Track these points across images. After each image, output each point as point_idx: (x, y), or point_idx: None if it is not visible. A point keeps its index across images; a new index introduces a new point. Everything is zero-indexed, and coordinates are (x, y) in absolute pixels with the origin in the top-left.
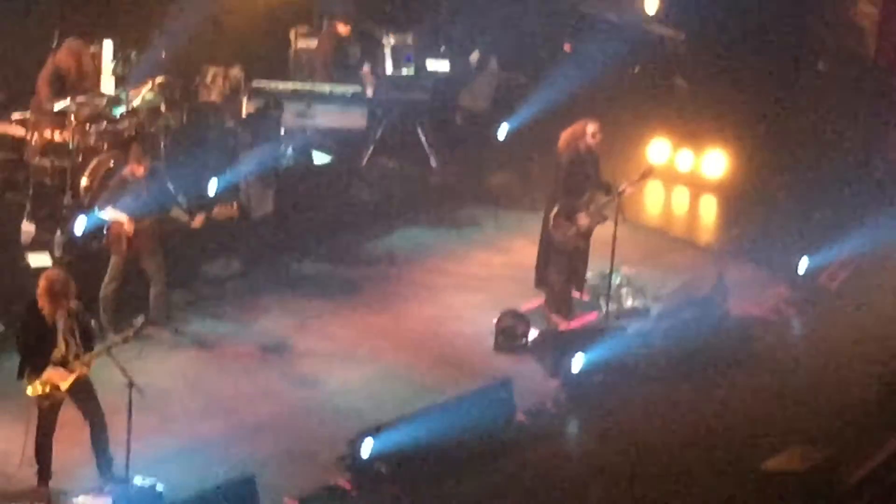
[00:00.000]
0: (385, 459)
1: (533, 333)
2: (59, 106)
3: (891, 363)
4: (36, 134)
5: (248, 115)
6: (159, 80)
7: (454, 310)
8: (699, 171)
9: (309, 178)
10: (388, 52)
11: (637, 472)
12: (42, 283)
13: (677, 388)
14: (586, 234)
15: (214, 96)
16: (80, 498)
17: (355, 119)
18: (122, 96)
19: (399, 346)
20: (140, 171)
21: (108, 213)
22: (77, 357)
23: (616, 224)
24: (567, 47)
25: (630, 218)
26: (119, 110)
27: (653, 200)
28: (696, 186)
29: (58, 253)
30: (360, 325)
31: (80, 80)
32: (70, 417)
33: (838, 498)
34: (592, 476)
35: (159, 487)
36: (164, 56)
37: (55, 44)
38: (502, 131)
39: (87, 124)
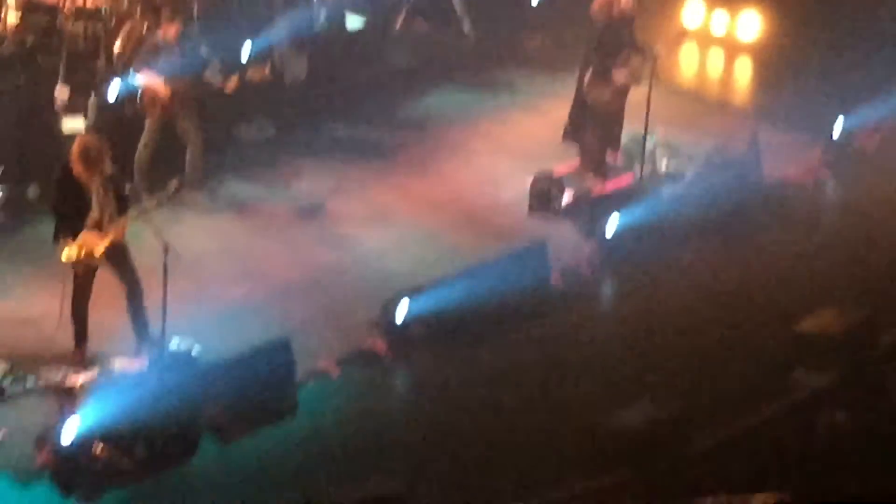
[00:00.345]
0: (420, 322)
1: (567, 196)
2: None
3: None
4: None
5: None
6: None
7: (489, 173)
8: (734, 32)
9: (342, 42)
10: None
11: (670, 334)
12: (76, 147)
13: (711, 251)
14: (621, 95)
15: None
16: (117, 360)
17: None
18: None
19: (433, 209)
20: (173, 34)
21: (142, 77)
22: (112, 221)
23: (650, 86)
24: None
25: (664, 80)
26: None
27: (687, 62)
28: (731, 48)
29: (92, 117)
30: (394, 189)
31: None
32: (106, 281)
33: (874, 359)
34: (627, 338)
35: (195, 350)
36: None
37: None
38: None
39: None
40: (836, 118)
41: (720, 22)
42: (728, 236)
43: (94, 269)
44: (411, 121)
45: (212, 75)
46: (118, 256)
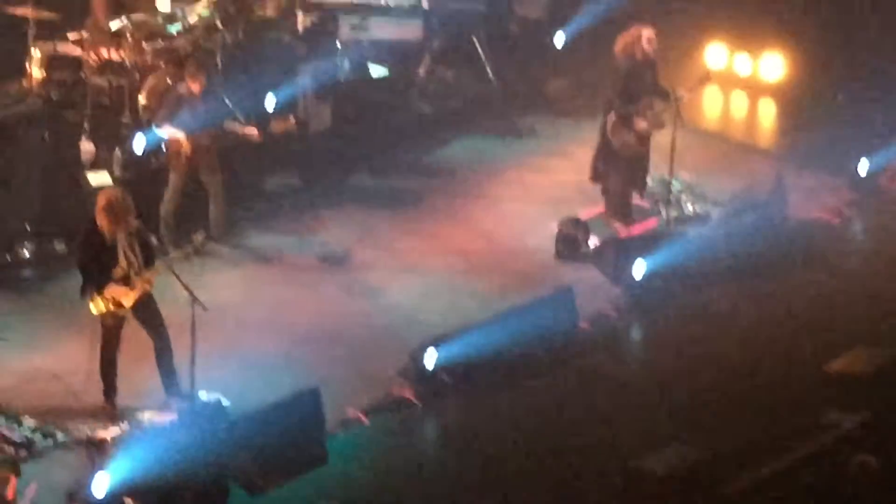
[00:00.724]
0: (448, 370)
1: (593, 241)
2: (115, 25)
3: None
4: (93, 53)
5: (304, 29)
6: None
7: (514, 219)
8: (757, 74)
9: (366, 91)
10: None
11: (699, 377)
12: (101, 201)
13: (739, 293)
14: (644, 140)
15: (270, 11)
16: (146, 414)
17: (411, 30)
18: (178, 13)
19: (460, 256)
20: (197, 87)
21: (166, 131)
22: (138, 274)
23: (674, 130)
24: None
25: (688, 123)
26: (175, 28)
27: (711, 105)
28: (755, 90)
29: (117, 171)
30: (420, 237)
31: None
32: (134, 334)
33: None
34: (654, 382)
35: (224, 402)
36: None
37: None
38: (559, 39)
39: (144, 42)
40: (861, 158)
41: (743, 64)
42: (755, 278)
43: (122, 322)
44: (436, 168)
45: (236, 128)
46: (146, 309)
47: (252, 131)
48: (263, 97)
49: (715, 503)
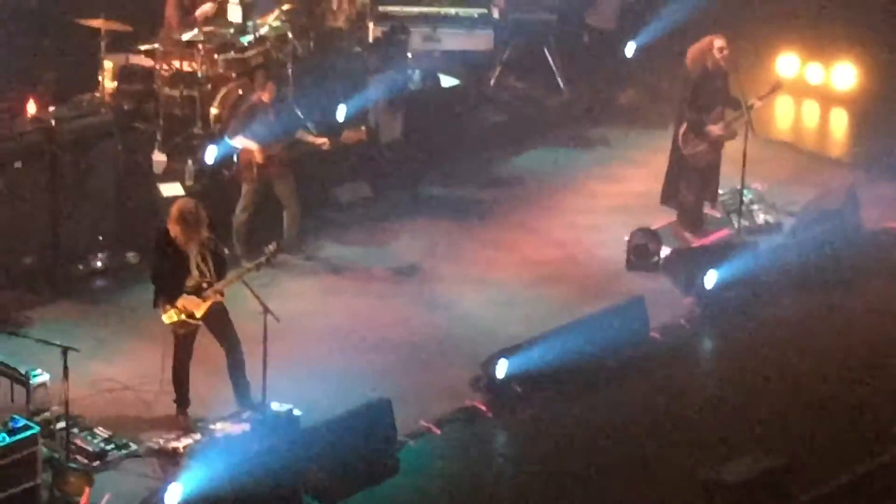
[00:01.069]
0: (520, 380)
1: (665, 251)
2: (187, 36)
3: None
4: (165, 64)
5: (375, 39)
6: (285, 6)
7: (585, 229)
8: (829, 83)
9: (437, 102)
10: None
11: (770, 388)
12: (174, 212)
13: (812, 303)
14: (716, 149)
15: (341, 22)
16: (219, 424)
17: (482, 41)
18: (250, 25)
19: (530, 267)
20: (268, 98)
21: (238, 141)
22: (211, 285)
23: (746, 139)
24: None
25: (760, 133)
26: (246, 39)
27: (782, 114)
28: (826, 99)
29: (189, 182)
30: (490, 247)
31: (207, 11)
32: (206, 344)
33: None
34: (726, 392)
35: (296, 412)
36: None
37: None
38: (630, 49)
39: (216, 53)
40: None
41: (815, 73)
42: (828, 287)
43: (195, 332)
44: (507, 179)
45: (307, 138)
46: (218, 320)
47: (323, 141)
48: (334, 107)
49: None
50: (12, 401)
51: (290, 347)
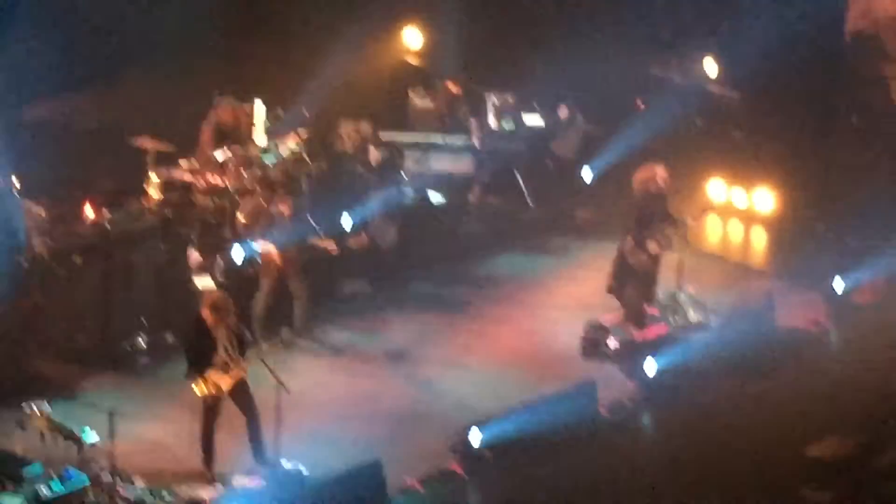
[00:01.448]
0: (490, 447)
1: (613, 342)
2: (219, 155)
3: None
4: (200, 178)
5: (376, 162)
6: (302, 133)
7: (547, 322)
8: (751, 206)
9: (426, 214)
10: (491, 108)
11: (700, 459)
12: (206, 301)
13: (734, 388)
14: (656, 259)
15: (348, 147)
16: (238, 478)
17: (464, 165)
18: (272, 147)
19: (501, 352)
20: (286, 209)
21: (260, 244)
22: (234, 362)
23: (681, 251)
24: (640, 103)
25: (693, 245)
26: (269, 158)
27: (712, 231)
28: (749, 219)
29: (219, 276)
30: (469, 335)
31: (237, 133)
32: (229, 411)
33: (870, 479)
34: (665, 462)
35: (303, 470)
36: (305, 112)
37: (214, 102)
38: (586, 174)
39: (243, 170)
40: (837, 276)
41: (739, 197)
42: (748, 376)
43: (220, 401)
44: (483, 279)
45: (318, 243)
46: (240, 391)
47: (331, 245)
48: (340, 217)
49: None
50: (67, 455)
51: (299, 415)
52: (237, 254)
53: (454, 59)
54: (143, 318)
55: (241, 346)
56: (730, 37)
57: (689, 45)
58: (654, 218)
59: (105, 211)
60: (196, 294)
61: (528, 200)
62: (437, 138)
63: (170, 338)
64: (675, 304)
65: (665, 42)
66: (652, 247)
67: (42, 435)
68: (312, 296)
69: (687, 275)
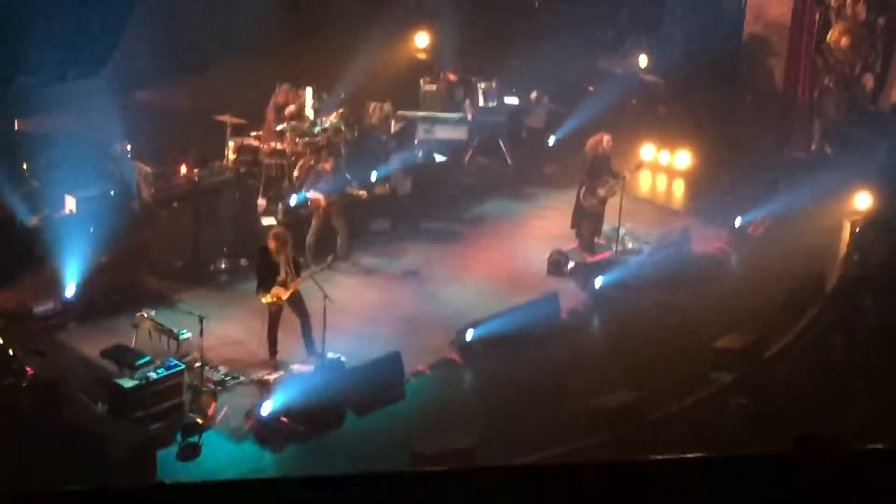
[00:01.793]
0: (480, 341)
1: (571, 264)
2: (279, 127)
3: (791, 280)
4: (265, 145)
5: (395, 131)
6: (341, 111)
7: (522, 250)
8: (673, 163)
9: (432, 170)
10: (480, 92)
11: (635, 348)
12: (271, 235)
13: (661, 298)
14: (603, 203)
15: (375, 120)
16: (295, 366)
17: (460, 133)
18: (319, 121)
19: (488, 272)
20: (329, 166)
21: (310, 193)
22: (292, 280)
23: (621, 197)
24: (591, 88)
25: (630, 193)
26: (316, 129)
27: (644, 182)
28: (671, 173)
29: (279, 216)
30: (464, 259)
31: (293, 111)
32: (288, 316)
33: (761, 365)
34: (608, 349)
35: (343, 359)
36: (343, 96)
37: (277, 88)
38: (551, 141)
39: (297, 138)
40: (736, 216)
41: (664, 157)
42: (671, 289)
43: (281, 308)
44: (475, 218)
45: (352, 191)
46: (296, 301)
47: (363, 193)
48: (369, 173)
49: (645, 429)
50: (168, 349)
51: (340, 319)
52: (293, 200)
53: (453, 56)
54: (223, 248)
55: (297, 268)
56: (657, 38)
57: (627, 44)
58: (602, 172)
59: (195, 169)
60: (263, 230)
61: (508, 159)
62: (441, 114)
63: (244, 262)
64: (616, 236)
65: (609, 42)
66: (600, 194)
67: (150, 334)
68: (350, 231)
69: (625, 215)
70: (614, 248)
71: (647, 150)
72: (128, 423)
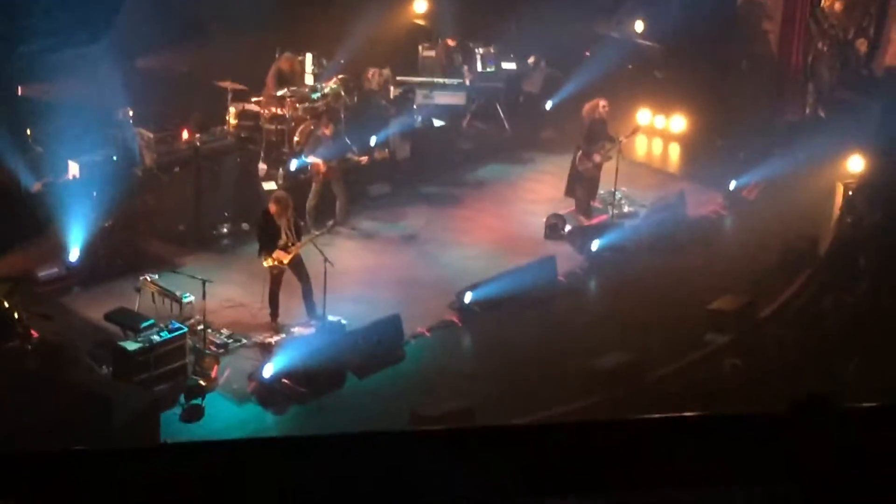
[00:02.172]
0: (479, 303)
1: (568, 227)
2: (279, 93)
3: (785, 243)
4: (266, 110)
5: (394, 96)
6: (340, 76)
7: (519, 213)
8: (668, 127)
9: (431, 135)
10: (478, 57)
11: (631, 311)
12: (272, 199)
13: (656, 259)
14: (599, 167)
15: (374, 85)
16: (296, 328)
17: (459, 99)
18: (318, 86)
19: (486, 235)
20: (329, 132)
21: (310, 158)
22: (293, 244)
23: (617, 161)
24: (587, 53)
25: (626, 157)
26: (316, 95)
27: (640, 146)
28: (667, 137)
29: (280, 181)
30: (462, 223)
31: (292, 77)
32: (289, 280)
33: (755, 326)
34: (603, 312)
35: (343, 322)
36: (342, 62)
37: (277, 55)
38: (548, 105)
39: (297, 104)
40: (731, 179)
41: (660, 121)
42: (666, 251)
43: (283, 272)
44: (473, 182)
45: (352, 156)
46: (297, 265)
47: (362, 158)
48: (369, 138)
49: (641, 390)
50: (171, 312)
51: (340, 282)
52: (293, 165)
53: (451, 22)
54: (225, 212)
55: (298, 232)
56: (653, 3)
57: (623, 9)
58: (598, 137)
59: (197, 134)
60: (264, 194)
61: (506, 124)
62: (439, 79)
63: (245, 226)
64: (612, 200)
65: (606, 8)
66: (596, 158)
67: (153, 297)
68: (348, 196)
69: (621, 178)
70: (610, 212)
71: (643, 115)
72: (132, 386)
